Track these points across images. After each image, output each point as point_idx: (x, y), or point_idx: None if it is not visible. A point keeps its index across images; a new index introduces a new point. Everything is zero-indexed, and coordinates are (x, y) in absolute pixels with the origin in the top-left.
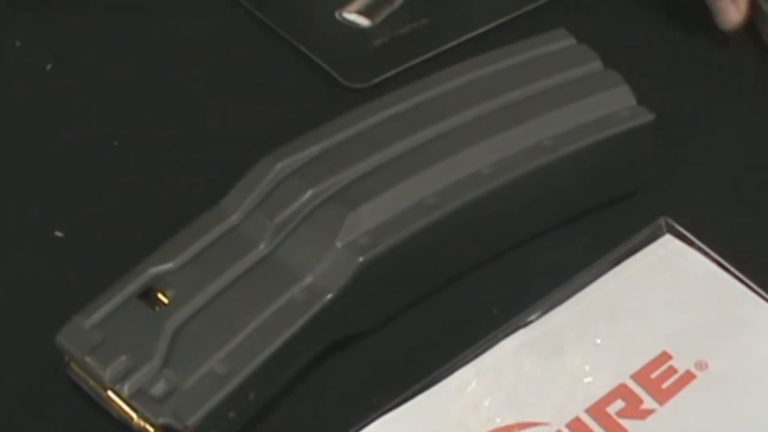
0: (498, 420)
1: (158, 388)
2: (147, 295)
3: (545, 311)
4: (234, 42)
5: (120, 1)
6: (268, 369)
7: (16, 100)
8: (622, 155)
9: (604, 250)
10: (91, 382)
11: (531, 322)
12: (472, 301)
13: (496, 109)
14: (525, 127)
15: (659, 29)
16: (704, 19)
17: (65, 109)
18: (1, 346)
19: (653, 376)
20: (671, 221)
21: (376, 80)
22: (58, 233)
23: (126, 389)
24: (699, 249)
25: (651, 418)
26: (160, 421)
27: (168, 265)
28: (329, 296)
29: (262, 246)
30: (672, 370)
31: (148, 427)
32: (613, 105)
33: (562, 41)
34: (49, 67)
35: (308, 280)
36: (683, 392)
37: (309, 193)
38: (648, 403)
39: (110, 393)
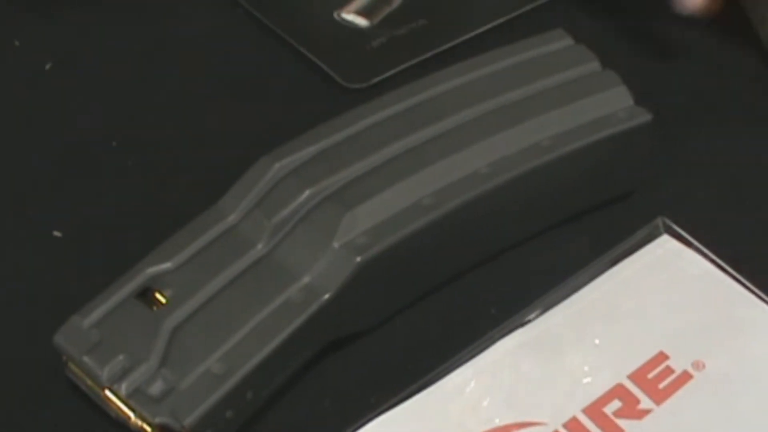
0: (497, 420)
1: (156, 388)
2: (145, 294)
3: (543, 311)
4: (233, 42)
5: (119, 1)
6: (266, 369)
7: (16, 99)
8: (619, 155)
9: (601, 251)
10: (89, 382)
11: (529, 321)
12: (470, 301)
13: (493, 110)
14: (523, 127)
15: (657, 30)
16: (702, 19)
17: (64, 108)
18: None
19: (650, 376)
20: (668, 221)
21: (375, 80)
22: (57, 233)
23: (123, 389)
24: (696, 249)
25: (648, 418)
26: (158, 420)
27: (166, 265)
28: (327, 296)
29: (259, 246)
30: (669, 370)
31: (145, 426)
32: (611, 105)
33: (559, 42)
34: (48, 66)
35: (306, 280)
36: (680, 392)
37: (306, 193)
38: (645, 403)
39: (108, 392)
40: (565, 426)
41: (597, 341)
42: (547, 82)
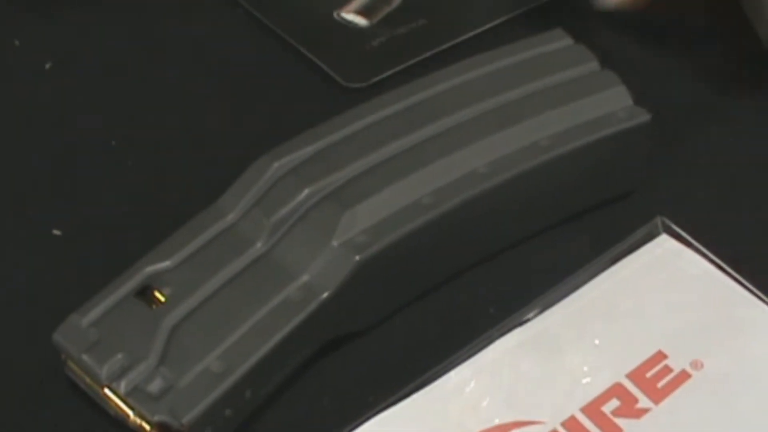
0: (496, 420)
1: (154, 386)
2: (144, 293)
3: (542, 310)
4: (233, 42)
5: (119, 1)
6: (265, 367)
7: (15, 99)
8: (618, 155)
9: (600, 250)
10: (88, 380)
11: (528, 320)
12: (468, 300)
13: (492, 109)
14: (522, 126)
15: (656, 30)
16: (701, 18)
17: (64, 108)
18: None
19: (648, 375)
20: (667, 221)
21: (375, 80)
22: (57, 232)
23: (122, 387)
24: (695, 249)
25: (646, 417)
26: (156, 418)
27: (165, 264)
28: (325, 295)
29: (258, 245)
30: (667, 370)
31: (144, 424)
32: (610, 105)
33: (559, 41)
34: (48, 66)
35: (304, 278)
36: (678, 392)
37: (306, 192)
38: (643, 402)
39: (107, 391)
40: (563, 425)
41: (597, 341)
42: (546, 82)
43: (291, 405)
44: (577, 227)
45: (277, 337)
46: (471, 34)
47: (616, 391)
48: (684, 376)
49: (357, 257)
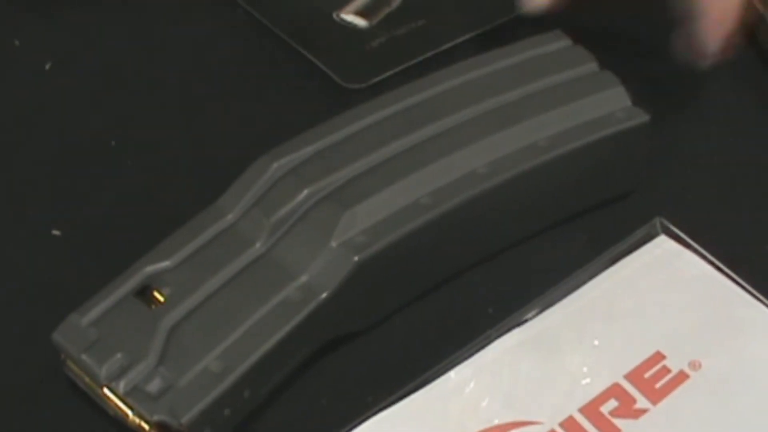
0: (496, 421)
1: (153, 386)
2: (143, 293)
3: (541, 310)
4: (232, 42)
5: (119, 1)
6: (263, 367)
7: (15, 99)
8: (617, 156)
9: (599, 251)
10: (87, 380)
11: (527, 320)
12: (467, 300)
13: (492, 110)
14: (521, 127)
15: (655, 31)
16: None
17: (64, 108)
18: None
19: (647, 375)
20: (666, 222)
21: (374, 81)
22: (56, 232)
23: (121, 387)
24: (694, 249)
25: (644, 417)
26: (155, 418)
27: (164, 264)
28: (324, 295)
29: (258, 245)
30: (665, 370)
31: (143, 424)
32: (609, 106)
33: (558, 42)
34: (48, 66)
35: (304, 278)
36: (676, 392)
37: (305, 192)
38: (641, 402)
39: (106, 390)
40: (561, 425)
41: (597, 342)
42: (545, 83)
43: (290, 405)
44: (576, 228)
45: (276, 337)
46: (470, 35)
47: (614, 391)
48: (682, 376)
49: (356, 257)
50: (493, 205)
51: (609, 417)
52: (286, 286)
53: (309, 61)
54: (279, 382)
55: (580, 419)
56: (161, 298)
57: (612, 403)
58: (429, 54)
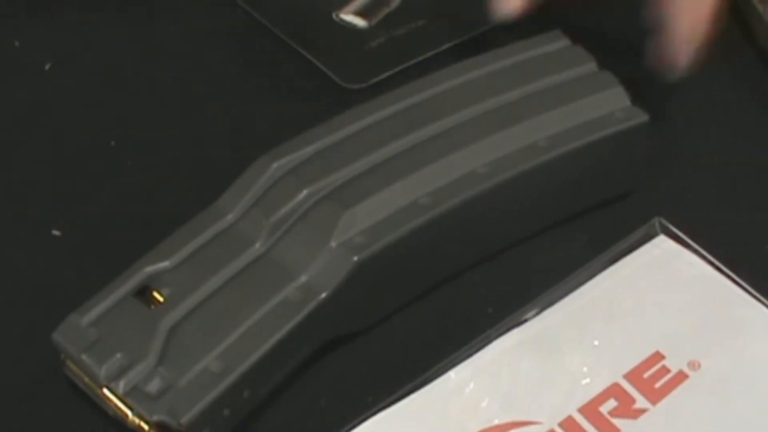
0: (496, 421)
1: (153, 386)
2: (143, 293)
3: (540, 310)
4: (232, 43)
5: (119, 1)
6: (263, 367)
7: (15, 99)
8: (616, 156)
9: (598, 251)
10: (87, 380)
11: (526, 320)
12: (467, 300)
13: (491, 110)
14: (520, 127)
15: (654, 31)
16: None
17: (64, 108)
18: None
19: (646, 375)
20: (665, 222)
21: (373, 81)
22: (56, 232)
23: (121, 387)
24: (693, 249)
25: (643, 417)
26: (155, 418)
27: (164, 264)
28: (324, 295)
29: (257, 245)
30: (665, 370)
31: (142, 424)
32: (608, 106)
33: (557, 42)
34: (47, 67)
35: (303, 278)
36: (676, 392)
37: (304, 192)
38: (640, 402)
39: (105, 390)
40: (560, 425)
41: (597, 342)
42: (544, 83)
43: (290, 405)
44: (576, 228)
45: (276, 337)
46: (470, 35)
47: (613, 391)
48: (681, 376)
49: (355, 258)
50: (492, 205)
51: (608, 417)
52: (285, 286)
53: (308, 61)
54: (279, 382)
55: (580, 419)
56: (161, 298)
57: (611, 403)
58: (428, 54)
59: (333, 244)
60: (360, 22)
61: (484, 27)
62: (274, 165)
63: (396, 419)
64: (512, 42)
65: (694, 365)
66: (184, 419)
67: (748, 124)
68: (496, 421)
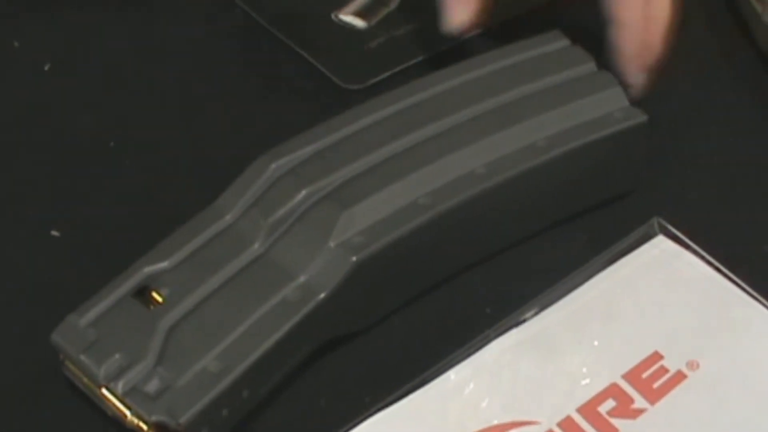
0: (495, 422)
1: (152, 386)
2: (142, 293)
3: (539, 310)
4: (231, 43)
5: (119, 1)
6: (262, 367)
7: (15, 99)
8: (615, 156)
9: (597, 251)
10: (86, 380)
11: (525, 320)
12: (466, 300)
13: (490, 110)
14: (519, 127)
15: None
16: (697, 20)
17: (63, 108)
18: None
19: (644, 375)
20: (664, 222)
21: (373, 81)
22: (55, 233)
23: (120, 387)
24: (692, 250)
25: (642, 417)
26: (154, 418)
27: (163, 264)
28: (322, 295)
29: (256, 245)
30: (663, 370)
31: (141, 424)
32: (607, 106)
33: (556, 43)
34: (47, 67)
35: (302, 279)
36: (674, 392)
37: (303, 192)
38: (639, 402)
39: (104, 391)
40: (559, 425)
41: (596, 343)
42: (543, 83)
43: (288, 405)
44: (574, 228)
45: (275, 338)
46: (469, 36)
47: (612, 391)
48: (680, 376)
49: (354, 258)
50: (491, 205)
51: (607, 417)
52: (284, 286)
53: (308, 61)
54: (278, 382)
55: (578, 419)
56: (160, 299)
57: (610, 403)
58: (428, 54)
59: (332, 244)
60: (359, 23)
61: (482, 27)
62: (273, 165)
63: (395, 419)
64: (511, 42)
65: (693, 365)
66: (183, 419)
67: (747, 124)
68: (496, 422)
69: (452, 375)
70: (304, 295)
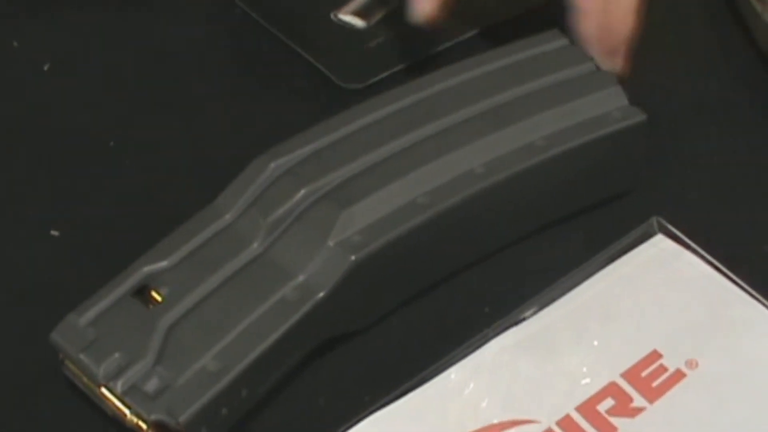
0: (495, 421)
1: (151, 385)
2: (141, 293)
3: (538, 309)
4: (230, 43)
5: (119, 1)
6: (260, 366)
7: (15, 99)
8: (614, 155)
9: (596, 250)
10: (85, 380)
11: (524, 320)
12: (464, 299)
13: (489, 109)
14: (518, 127)
15: (652, 31)
16: (697, 19)
17: (63, 108)
18: None
19: (643, 374)
20: (663, 221)
21: (372, 81)
22: (55, 232)
23: (119, 386)
24: (691, 249)
25: (641, 416)
26: (153, 417)
27: (162, 264)
28: (321, 294)
29: (255, 245)
30: (662, 369)
31: (140, 423)
32: (606, 105)
33: (555, 42)
34: (47, 67)
35: (301, 278)
36: (673, 391)
37: (302, 192)
38: (638, 401)
39: (104, 390)
40: (558, 424)
41: (596, 343)
42: (542, 82)
43: (288, 404)
44: (574, 227)
45: (274, 337)
46: (468, 35)
47: (611, 390)
48: (679, 375)
49: (353, 257)
50: (490, 204)
51: (606, 415)
52: (283, 285)
53: (307, 61)
54: (277, 381)
55: (577, 418)
56: (159, 298)
57: (609, 402)
58: (427, 54)
59: (330, 243)
60: (358, 23)
61: (482, 27)
62: (272, 165)
63: (394, 418)
64: (510, 41)
65: (692, 364)
66: (182, 418)
67: (747, 124)
68: (495, 421)
69: (452, 374)
70: (303, 294)
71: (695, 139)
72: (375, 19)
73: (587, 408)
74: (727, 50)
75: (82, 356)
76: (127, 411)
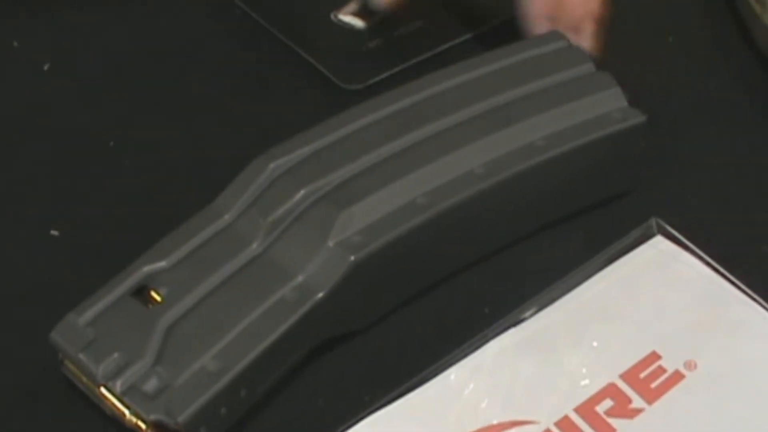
0: (494, 421)
1: (150, 385)
2: (140, 293)
3: (537, 310)
4: (230, 43)
5: (119, 1)
6: (260, 366)
7: (15, 99)
8: (614, 156)
9: (595, 251)
10: (85, 379)
11: (523, 320)
12: (464, 300)
13: (488, 110)
14: (517, 127)
15: (651, 31)
16: (696, 20)
17: (62, 108)
18: None
19: (642, 375)
20: (662, 222)
21: (372, 81)
22: (54, 232)
23: (118, 386)
24: (689, 250)
25: (639, 417)
26: (152, 417)
27: (161, 264)
28: (321, 295)
29: (254, 245)
30: (661, 370)
31: (140, 423)
32: (605, 106)
33: (555, 43)
34: (46, 67)
35: (300, 278)
36: (672, 392)
37: (302, 192)
38: (637, 402)
39: (103, 390)
40: (557, 425)
41: (595, 344)
42: (541, 83)
43: (287, 404)
44: (573, 228)
45: (273, 337)
46: (468, 36)
47: (609, 391)
48: (678, 376)
49: (352, 257)
50: (489, 205)
51: (604, 417)
52: (282, 285)
53: (307, 61)
54: (276, 381)
55: (576, 419)
56: (158, 298)
57: (607, 403)
58: (427, 54)
59: (330, 243)
60: (358, 23)
61: (482, 27)
62: (272, 165)
63: (394, 418)
64: (510, 42)
65: (690, 365)
66: (181, 418)
67: (746, 125)
68: (495, 421)
69: (452, 375)
70: (303, 294)
71: (695, 139)
72: (375, 20)
73: (586, 409)
74: (726, 50)
75: (81, 356)
76: (126, 411)
